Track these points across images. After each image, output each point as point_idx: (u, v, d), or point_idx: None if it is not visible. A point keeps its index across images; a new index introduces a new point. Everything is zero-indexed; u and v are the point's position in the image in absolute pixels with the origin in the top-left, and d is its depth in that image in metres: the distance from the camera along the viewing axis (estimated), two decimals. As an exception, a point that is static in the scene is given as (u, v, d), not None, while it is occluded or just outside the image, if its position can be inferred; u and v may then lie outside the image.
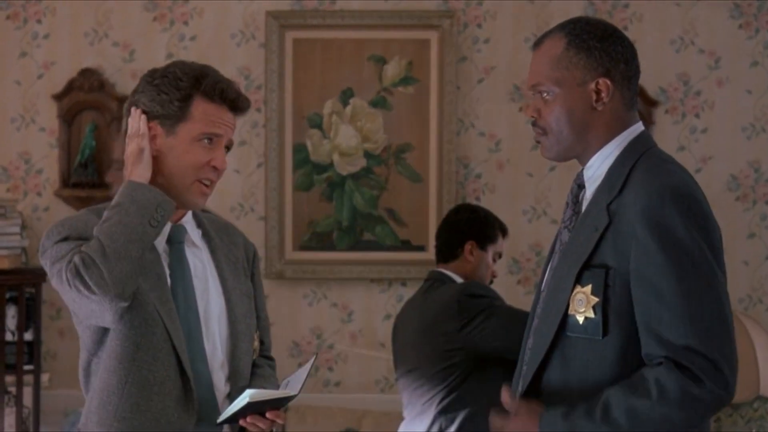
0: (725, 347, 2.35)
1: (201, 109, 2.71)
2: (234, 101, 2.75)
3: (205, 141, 2.71)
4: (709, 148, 5.41)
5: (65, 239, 2.63)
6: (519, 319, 3.82)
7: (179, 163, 2.70)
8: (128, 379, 2.64)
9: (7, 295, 5.04)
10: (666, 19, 5.40)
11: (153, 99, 2.72)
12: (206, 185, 2.74)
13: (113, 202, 2.64)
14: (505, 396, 2.51)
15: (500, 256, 4.30)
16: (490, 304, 4.03)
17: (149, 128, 2.71)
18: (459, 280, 4.18)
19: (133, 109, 2.74)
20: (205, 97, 2.72)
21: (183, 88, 2.71)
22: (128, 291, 2.56)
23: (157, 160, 2.71)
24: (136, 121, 2.72)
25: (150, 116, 2.72)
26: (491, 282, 4.28)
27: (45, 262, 2.65)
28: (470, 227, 4.20)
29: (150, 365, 2.64)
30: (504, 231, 4.30)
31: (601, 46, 2.53)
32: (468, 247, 4.18)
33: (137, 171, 2.68)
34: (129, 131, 2.72)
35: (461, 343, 4.02)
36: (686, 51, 5.41)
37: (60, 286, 2.62)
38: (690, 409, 2.33)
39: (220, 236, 2.87)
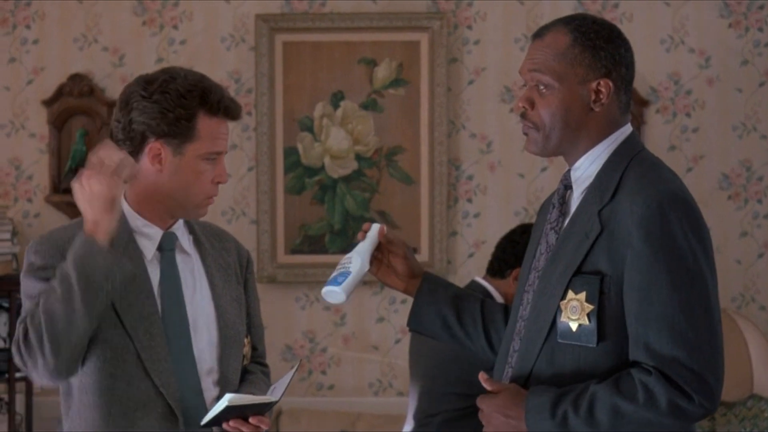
0: (713, 360, 2.34)
1: (205, 126, 2.68)
2: (234, 113, 2.73)
3: (210, 158, 2.70)
4: (701, 147, 5.41)
5: (42, 268, 2.63)
6: None
7: (185, 183, 2.69)
8: (111, 410, 2.66)
9: (-1, 302, 5.03)
10: (656, 18, 5.40)
11: (155, 117, 2.66)
12: (211, 198, 2.75)
13: (65, 266, 2.54)
14: (484, 379, 2.47)
15: None
16: None
17: (151, 148, 2.67)
18: (498, 298, 4.11)
19: (107, 140, 2.64)
20: (208, 113, 2.68)
21: (188, 106, 2.66)
22: (67, 372, 2.60)
23: (155, 178, 2.70)
24: (109, 156, 2.56)
25: (153, 134, 2.67)
26: None
27: (22, 281, 2.68)
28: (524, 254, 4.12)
29: (127, 392, 2.65)
30: None
31: (606, 47, 2.50)
32: (515, 273, 4.10)
33: (104, 225, 2.54)
34: (102, 166, 2.54)
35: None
36: (676, 50, 5.41)
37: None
38: (675, 419, 2.33)
39: (212, 242, 2.86)
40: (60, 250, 2.62)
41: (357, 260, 2.70)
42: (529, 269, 2.60)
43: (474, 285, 4.17)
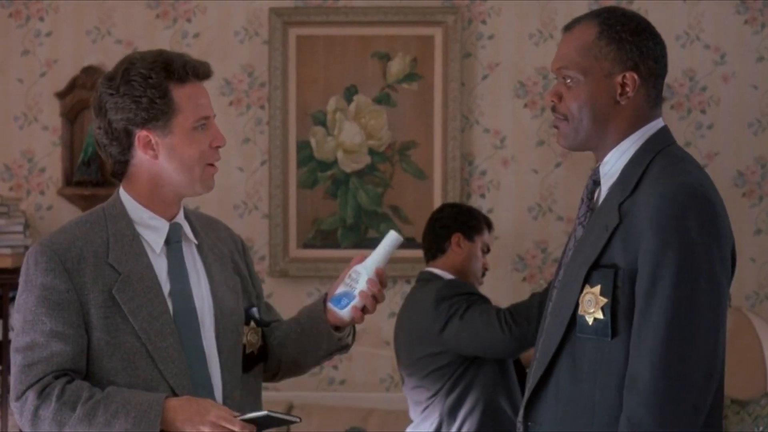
0: (702, 362, 2.32)
1: (181, 96, 2.64)
2: (203, 73, 2.70)
3: (200, 126, 2.66)
4: (715, 144, 5.38)
5: (43, 287, 2.58)
6: (492, 322, 3.87)
7: (185, 158, 2.65)
8: None
9: (10, 295, 5.02)
10: (671, 14, 5.37)
11: (130, 109, 2.62)
12: (213, 165, 2.71)
13: (118, 408, 2.53)
14: None
15: (488, 249, 4.31)
16: (466, 304, 4.00)
17: (139, 138, 2.64)
18: (448, 276, 4.17)
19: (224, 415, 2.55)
20: (178, 83, 2.65)
21: (156, 84, 2.63)
22: None
23: (154, 166, 2.66)
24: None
25: (136, 126, 2.63)
26: (483, 274, 4.30)
27: (21, 296, 2.62)
28: (454, 220, 4.26)
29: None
30: (489, 225, 4.33)
31: (632, 40, 2.48)
32: (455, 239, 4.21)
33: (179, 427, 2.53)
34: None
35: (444, 346, 4.01)
36: (692, 46, 5.38)
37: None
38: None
39: (206, 231, 2.82)
40: (62, 262, 2.60)
41: (363, 280, 2.83)
42: (560, 265, 2.60)
43: (423, 274, 4.26)
